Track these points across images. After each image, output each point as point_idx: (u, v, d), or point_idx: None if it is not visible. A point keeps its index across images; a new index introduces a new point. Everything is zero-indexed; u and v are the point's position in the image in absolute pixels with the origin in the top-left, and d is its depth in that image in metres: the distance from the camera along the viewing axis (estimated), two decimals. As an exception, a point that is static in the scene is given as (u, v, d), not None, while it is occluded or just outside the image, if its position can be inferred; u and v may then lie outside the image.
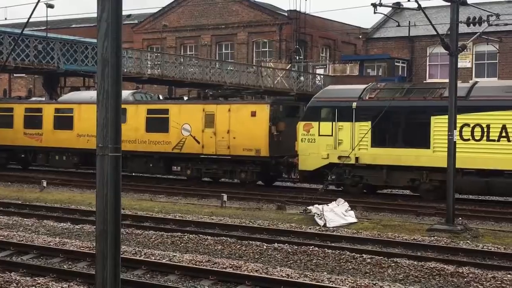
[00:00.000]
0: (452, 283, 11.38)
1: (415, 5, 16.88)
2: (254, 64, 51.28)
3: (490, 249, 14.02)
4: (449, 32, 17.11)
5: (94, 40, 27.21)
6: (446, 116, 19.92)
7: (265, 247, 14.02)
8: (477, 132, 21.38)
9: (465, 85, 22.43)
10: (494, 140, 20.87)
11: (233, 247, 14.22)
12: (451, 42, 16.79)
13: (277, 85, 44.02)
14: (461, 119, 20.74)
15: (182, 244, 14.65)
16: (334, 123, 23.70)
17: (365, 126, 22.82)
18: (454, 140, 16.83)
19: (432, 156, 21.96)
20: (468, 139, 21.42)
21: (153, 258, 12.70)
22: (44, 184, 25.07)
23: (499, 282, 11.25)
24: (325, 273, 11.90)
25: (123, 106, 33.38)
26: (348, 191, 23.65)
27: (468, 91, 21.96)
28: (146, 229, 16.26)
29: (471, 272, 11.81)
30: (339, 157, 23.35)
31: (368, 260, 12.82)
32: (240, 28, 54.96)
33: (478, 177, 21.37)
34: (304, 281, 10.84)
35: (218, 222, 17.23)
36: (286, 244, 14.20)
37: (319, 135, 23.85)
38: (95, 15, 6.06)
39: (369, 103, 23.27)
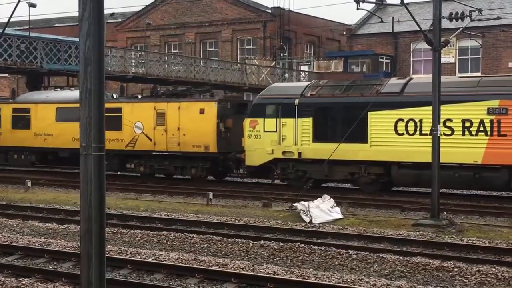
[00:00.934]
0: (437, 278, 11.44)
1: (398, 1, 16.96)
2: (238, 61, 51.27)
3: (475, 243, 14.10)
4: (432, 28, 17.18)
5: (78, 39, 27.14)
6: (383, 112, 21.79)
7: (251, 244, 14.02)
8: (411, 126, 22.03)
9: (400, 82, 23.35)
10: (426, 134, 21.20)
11: (219, 245, 14.22)
12: (434, 37, 16.86)
13: (262, 82, 44.03)
14: (395, 114, 22.01)
15: (168, 243, 14.63)
16: (278, 119, 24.44)
17: (307, 122, 23.81)
18: (438, 135, 16.87)
19: (370, 150, 22.73)
20: (403, 134, 22.13)
21: (139, 257, 12.67)
22: (29, 184, 24.94)
23: (484, 275, 11.32)
24: (311, 269, 11.93)
25: (78, 105, 32.92)
26: (292, 185, 24.36)
27: (403, 87, 22.69)
28: (132, 228, 16.21)
29: (456, 266, 11.87)
30: (283, 152, 24.26)
31: (354, 256, 12.85)
32: (224, 26, 54.91)
33: (413, 170, 22.00)
34: (290, 278, 10.86)
35: (204, 220, 17.21)
36: (272, 241, 14.20)
37: (264, 131, 24.61)
38: (77, 14, 6.04)
39: (311, 99, 24.03)
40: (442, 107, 20.56)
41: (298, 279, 10.74)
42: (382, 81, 23.98)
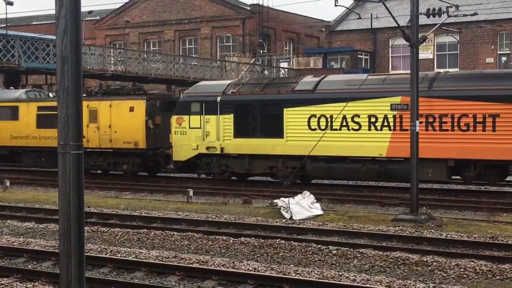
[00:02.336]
0: (417, 272, 11.53)
1: (376, -2, 17.02)
2: (218, 58, 51.21)
3: (454, 237, 14.21)
4: (410, 24, 17.27)
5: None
6: (297, 108, 23.22)
7: (231, 241, 14.03)
8: (323, 122, 23.01)
9: (313, 80, 24.42)
10: (337, 129, 22.65)
11: (200, 242, 14.22)
12: (411, 33, 16.95)
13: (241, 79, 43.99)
14: (309, 110, 23.15)
15: (149, 241, 14.61)
16: (202, 116, 25.35)
17: (229, 119, 24.83)
18: (417, 130, 16.99)
19: (286, 145, 23.76)
20: (315, 129, 23.10)
21: (119, 255, 12.63)
22: (7, 183, 24.75)
23: (462, 269, 11.43)
24: (292, 265, 11.96)
25: (15, 104, 33.08)
26: (217, 179, 25.60)
27: (316, 85, 23.66)
28: (112, 226, 16.16)
29: (435, 261, 11.97)
30: (207, 148, 25.27)
31: (334, 252, 12.91)
32: (203, 23, 54.82)
33: (325, 164, 23.15)
34: (270, 274, 10.89)
35: (184, 218, 17.18)
36: (253, 238, 14.23)
37: (189, 127, 25.56)
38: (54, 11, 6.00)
39: (232, 97, 24.99)
40: (350, 103, 22.33)
41: (278, 275, 10.77)
42: (298, 79, 25.17)
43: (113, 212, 18.34)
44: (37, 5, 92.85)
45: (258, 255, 13.06)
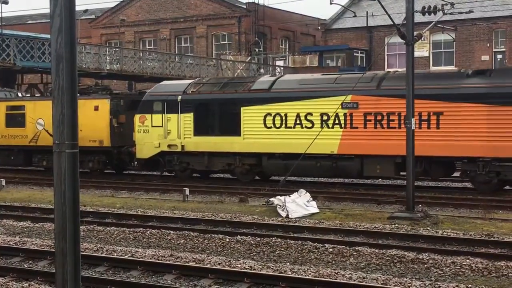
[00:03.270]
0: (413, 270, 11.54)
1: (372, -4, 17.03)
2: (213, 57, 51.20)
3: (450, 235, 14.22)
4: (405, 22, 17.28)
5: (51, 36, 27.11)
6: (254, 107, 24.02)
7: (227, 240, 14.03)
8: (278, 120, 23.65)
9: (269, 79, 25.24)
10: (291, 127, 23.35)
11: (196, 241, 14.22)
12: (407, 31, 16.96)
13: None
14: (264, 109, 23.84)
15: (145, 240, 14.60)
16: (163, 115, 26.03)
17: (189, 117, 25.52)
18: (412, 128, 17.00)
19: (243, 142, 24.42)
20: (271, 127, 23.79)
21: (115, 254, 12.62)
22: (3, 182, 24.71)
23: (458, 267, 11.44)
24: (288, 263, 11.96)
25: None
26: (178, 177, 26.30)
27: (271, 84, 24.31)
28: (108, 225, 16.15)
29: (431, 258, 11.98)
30: (169, 146, 25.95)
31: (330, 250, 12.91)
32: (198, 22, 54.80)
33: (280, 160, 23.83)
34: (267, 273, 10.89)
35: (180, 217, 17.18)
36: (249, 236, 14.22)
37: (152, 126, 26.27)
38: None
39: (192, 96, 25.68)
40: (304, 102, 23.07)
41: (274, 274, 10.77)
42: (255, 79, 26.07)
43: (109, 211, 18.31)
44: (32, 3, 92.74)
45: (254, 253, 13.06)
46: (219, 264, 11.63)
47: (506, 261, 11.64)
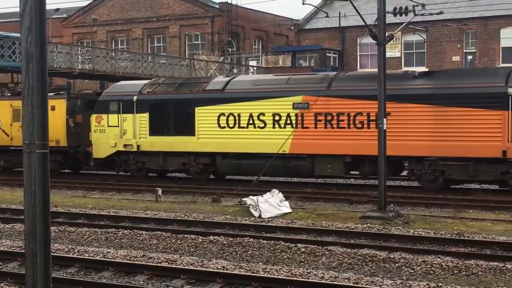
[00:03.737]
0: (384, 269, 11.62)
1: (344, -4, 17.11)
2: (186, 57, 51.06)
3: (421, 234, 14.34)
4: (377, 23, 17.39)
5: (21, 35, 26.87)
6: (208, 107, 24.49)
7: (200, 240, 14.01)
8: (231, 120, 24.09)
9: (223, 80, 25.70)
10: (244, 127, 23.81)
11: (168, 241, 14.17)
12: (379, 32, 17.07)
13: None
14: (218, 109, 24.26)
15: (117, 240, 14.52)
16: (119, 115, 26.53)
17: (144, 117, 25.91)
18: (384, 128, 17.11)
19: (197, 142, 24.83)
20: (224, 127, 24.23)
21: (87, 255, 12.54)
22: (-28, 183, 24.42)
23: (429, 266, 11.55)
24: (260, 263, 11.98)
25: None
26: (134, 176, 26.70)
27: (225, 85, 24.74)
28: (80, 226, 16.03)
29: (403, 257, 12.07)
30: (125, 145, 26.34)
31: (303, 249, 12.95)
32: (171, 21, 54.61)
33: (234, 160, 24.30)
34: (239, 272, 10.90)
35: (153, 217, 17.11)
36: (222, 236, 14.22)
37: (108, 126, 26.63)
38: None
39: (147, 96, 26.10)
40: (257, 102, 23.59)
41: (247, 274, 10.78)
42: (209, 79, 26.53)
43: (81, 212, 18.18)
44: (2, 2, 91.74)
45: (227, 253, 13.06)
46: (191, 264, 11.61)
47: (475, 260, 11.77)
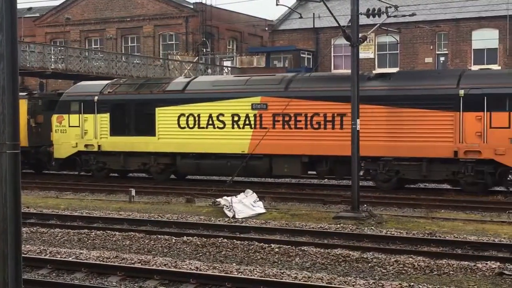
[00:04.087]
0: (357, 269, 11.69)
1: (318, -3, 17.17)
2: (160, 57, 50.89)
3: (393, 234, 14.45)
4: (350, 24, 17.48)
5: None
6: (168, 108, 24.69)
7: (174, 240, 13.97)
8: (191, 121, 24.33)
9: (183, 80, 25.85)
10: (204, 128, 24.11)
11: (142, 242, 14.12)
12: (352, 33, 17.16)
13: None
14: (178, 109, 24.48)
15: (89, 241, 14.43)
16: (80, 115, 26.68)
17: (105, 118, 26.09)
18: (358, 129, 17.20)
19: (158, 142, 25.05)
20: (184, 127, 24.47)
21: (59, 256, 12.44)
22: None
23: (401, 265, 11.63)
24: (234, 264, 11.98)
25: None
26: (95, 176, 26.82)
27: (185, 86, 24.97)
28: (52, 227, 15.89)
29: (375, 257, 12.15)
30: (86, 145, 26.50)
31: (276, 250, 12.98)
32: (145, 21, 54.38)
33: (193, 160, 24.53)
34: (213, 273, 10.89)
35: (126, 218, 17.03)
36: (195, 237, 14.20)
37: (69, 126, 26.79)
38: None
39: (108, 97, 26.28)
40: (216, 103, 23.85)
41: (220, 274, 10.78)
42: (170, 80, 26.60)
43: (53, 213, 18.05)
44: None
45: (200, 254, 13.05)
46: (165, 265, 11.58)
47: (447, 259, 11.89)
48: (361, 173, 23.30)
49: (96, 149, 26.18)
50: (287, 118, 22.80)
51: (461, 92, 20.47)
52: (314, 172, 23.70)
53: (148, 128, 25.01)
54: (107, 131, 25.93)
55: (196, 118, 24.19)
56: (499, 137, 20.16)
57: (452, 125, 20.64)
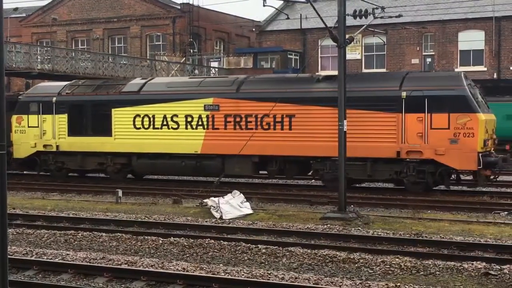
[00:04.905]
0: (344, 269, 11.72)
1: (305, -2, 17.20)
2: (148, 58, 50.81)
3: (380, 234, 14.49)
4: (337, 25, 17.53)
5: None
6: (124, 108, 25.16)
7: (161, 241, 13.96)
8: (146, 121, 24.79)
9: (139, 82, 26.14)
10: (158, 128, 24.53)
11: (129, 243, 14.09)
12: (339, 34, 17.20)
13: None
14: (133, 110, 24.96)
15: (76, 242, 14.39)
16: (39, 116, 26.91)
17: (63, 118, 26.42)
18: (344, 130, 17.25)
19: (114, 143, 25.45)
20: (140, 128, 24.89)
21: (45, 257, 12.40)
22: None
23: (388, 266, 11.68)
24: (221, 265, 11.99)
25: None
26: (54, 176, 26.99)
27: (141, 87, 25.36)
28: (38, 228, 15.82)
29: (362, 258, 12.19)
30: (44, 146, 26.73)
31: (264, 250, 12.99)
32: (132, 22, 54.29)
33: (148, 160, 25.00)
34: (200, 274, 10.89)
35: (113, 219, 16.98)
36: (182, 238, 14.18)
37: (28, 126, 27.21)
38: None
39: (66, 98, 26.65)
40: (170, 104, 24.37)
41: (207, 275, 10.78)
42: (127, 81, 26.91)
43: (40, 214, 17.97)
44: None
45: (187, 255, 13.04)
46: (151, 266, 11.57)
47: (433, 260, 11.95)
48: (310, 173, 23.95)
49: (54, 149, 26.50)
50: (238, 119, 23.32)
51: (403, 94, 21.04)
52: (265, 172, 24.22)
53: (104, 128, 25.48)
54: (65, 132, 26.27)
55: (151, 119, 24.64)
56: (439, 137, 20.71)
57: (395, 126, 21.17)
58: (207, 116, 23.70)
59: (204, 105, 23.72)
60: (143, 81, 26.13)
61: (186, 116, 24.06)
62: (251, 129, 23.03)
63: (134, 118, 24.89)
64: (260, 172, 24.28)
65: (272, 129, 22.69)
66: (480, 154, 20.31)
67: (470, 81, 21.67)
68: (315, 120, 22.11)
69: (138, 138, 24.83)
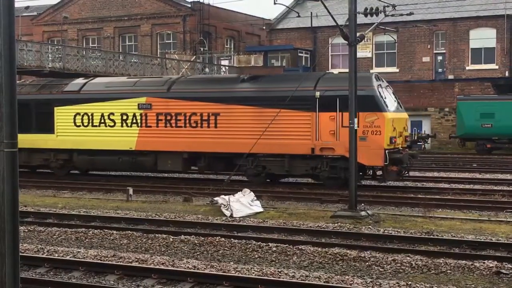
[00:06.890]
0: (355, 268, 11.70)
1: (316, -4, 17.17)
2: (158, 56, 50.87)
3: (391, 233, 14.46)
4: (348, 23, 17.48)
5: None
6: (65, 107, 26.41)
7: (171, 239, 13.98)
8: (86, 119, 25.95)
9: (80, 82, 27.26)
10: (96, 126, 25.77)
11: (139, 240, 14.12)
12: (350, 32, 17.16)
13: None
14: (74, 109, 26.16)
15: (87, 240, 14.43)
16: None
17: None
18: (355, 128, 17.21)
19: (56, 140, 26.62)
20: (80, 126, 26.12)
21: (56, 255, 12.45)
22: None
23: (399, 264, 11.65)
24: (232, 263, 11.99)
25: None
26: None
27: (81, 87, 26.55)
28: (50, 225, 15.89)
29: (373, 256, 12.17)
30: None
31: (274, 249, 12.99)
32: (143, 20, 54.38)
33: (88, 156, 26.18)
34: (210, 272, 10.90)
35: (123, 216, 17.03)
36: (193, 236, 14.20)
37: None
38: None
39: None
40: (108, 103, 25.46)
41: (218, 273, 10.79)
42: (69, 81, 27.90)
43: (51, 211, 18.03)
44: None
45: (198, 253, 13.05)
46: (162, 264, 11.59)
47: (444, 258, 11.91)
48: (236, 169, 24.59)
49: None
50: (168, 117, 24.47)
51: (317, 94, 22.12)
52: (196, 168, 25.30)
53: (48, 126, 26.59)
54: None
55: (90, 117, 25.78)
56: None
57: (310, 124, 22.27)
58: (141, 115, 24.87)
59: (138, 104, 24.91)
60: (84, 81, 27.27)
61: (122, 115, 25.24)
62: (180, 127, 24.20)
63: (75, 116, 26.08)
64: (192, 168, 25.61)
65: (200, 127, 23.89)
66: (386, 151, 21.28)
67: (382, 82, 22.67)
68: (238, 119, 23.22)
69: (78, 135, 26.04)
